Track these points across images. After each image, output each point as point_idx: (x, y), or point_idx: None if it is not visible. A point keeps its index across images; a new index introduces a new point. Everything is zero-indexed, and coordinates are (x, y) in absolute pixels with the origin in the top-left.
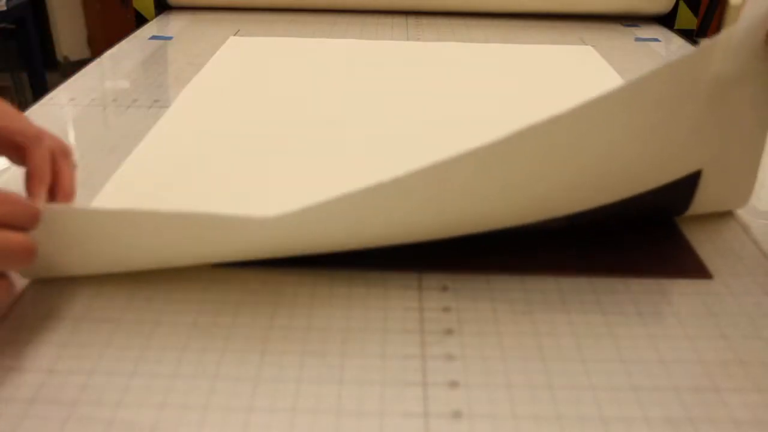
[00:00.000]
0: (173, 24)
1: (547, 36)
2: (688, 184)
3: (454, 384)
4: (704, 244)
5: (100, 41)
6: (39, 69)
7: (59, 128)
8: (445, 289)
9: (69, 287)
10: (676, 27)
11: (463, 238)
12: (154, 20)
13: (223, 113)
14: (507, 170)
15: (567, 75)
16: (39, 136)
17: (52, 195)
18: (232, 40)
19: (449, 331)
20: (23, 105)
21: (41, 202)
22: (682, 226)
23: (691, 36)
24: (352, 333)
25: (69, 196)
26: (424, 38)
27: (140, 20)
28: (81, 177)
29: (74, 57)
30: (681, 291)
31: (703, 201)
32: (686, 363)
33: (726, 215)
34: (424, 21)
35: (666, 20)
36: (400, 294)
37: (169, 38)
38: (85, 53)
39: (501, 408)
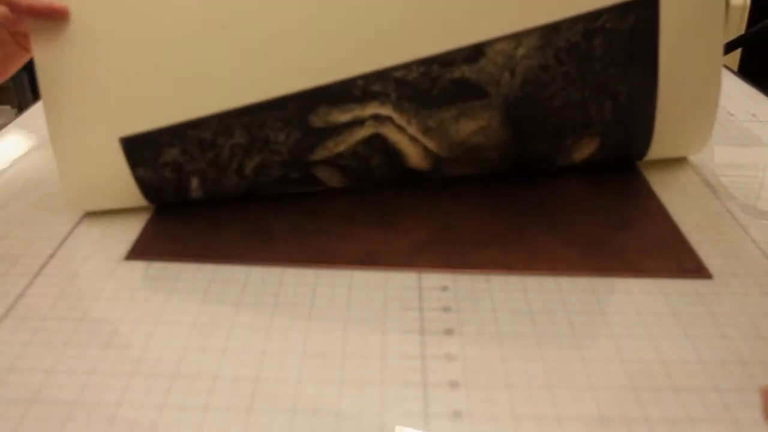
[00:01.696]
0: None
1: None
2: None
3: (454, 384)
4: (704, 244)
5: None
6: None
7: None
8: (445, 289)
9: (70, 287)
10: None
11: (464, 236)
12: None
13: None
14: None
15: None
16: None
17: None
18: None
19: (449, 331)
20: (23, 105)
21: None
22: (682, 226)
23: None
24: (352, 333)
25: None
26: None
27: None
28: None
29: None
30: (681, 291)
31: (668, 118)
32: (686, 363)
33: (725, 215)
34: None
35: None
36: (400, 294)
37: None
38: None
39: (501, 408)
